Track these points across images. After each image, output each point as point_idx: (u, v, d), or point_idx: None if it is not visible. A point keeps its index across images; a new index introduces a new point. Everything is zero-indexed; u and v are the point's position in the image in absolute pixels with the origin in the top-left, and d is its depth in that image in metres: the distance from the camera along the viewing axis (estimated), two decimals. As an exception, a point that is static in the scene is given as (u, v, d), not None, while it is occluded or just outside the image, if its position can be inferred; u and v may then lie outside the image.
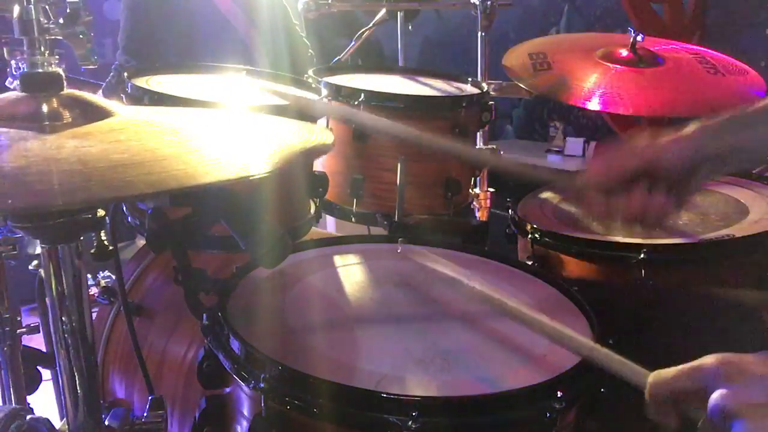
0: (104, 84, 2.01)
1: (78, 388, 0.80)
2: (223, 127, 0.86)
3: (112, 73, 2.05)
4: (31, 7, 0.72)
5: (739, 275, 1.28)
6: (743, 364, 0.64)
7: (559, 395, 0.81)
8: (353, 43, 2.20)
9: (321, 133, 0.83)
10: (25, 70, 0.74)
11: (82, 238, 0.76)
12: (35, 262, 1.48)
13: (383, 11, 2.12)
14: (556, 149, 3.96)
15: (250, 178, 0.65)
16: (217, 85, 1.47)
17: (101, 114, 0.76)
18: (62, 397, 0.81)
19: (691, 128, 1.04)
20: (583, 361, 0.87)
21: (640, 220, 1.05)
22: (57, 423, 0.81)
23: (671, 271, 1.27)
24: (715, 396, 0.63)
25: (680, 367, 0.68)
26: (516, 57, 1.77)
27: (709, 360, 0.66)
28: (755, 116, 1.08)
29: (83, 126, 0.72)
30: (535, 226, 1.38)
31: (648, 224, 1.07)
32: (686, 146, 1.02)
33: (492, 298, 0.95)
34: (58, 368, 0.80)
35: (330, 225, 2.35)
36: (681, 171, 1.02)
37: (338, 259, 1.21)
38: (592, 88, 1.63)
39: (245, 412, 0.91)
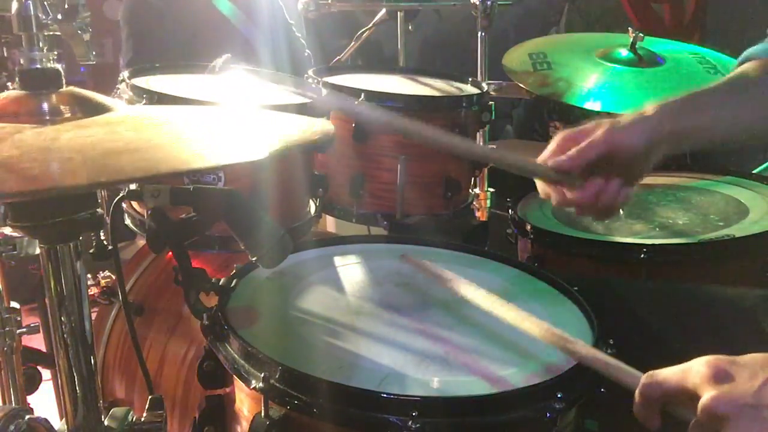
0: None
1: (77, 388, 0.80)
2: (221, 120, 0.87)
3: (118, 86, 2.04)
4: (30, 3, 0.72)
5: (739, 275, 1.28)
6: (733, 367, 0.65)
7: (559, 395, 0.81)
8: (353, 43, 2.20)
9: (319, 125, 0.82)
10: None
11: (81, 238, 0.76)
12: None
13: (383, 11, 2.12)
14: (556, 149, 3.96)
15: (245, 162, 0.65)
16: (217, 84, 1.47)
17: (100, 109, 0.76)
18: (62, 397, 0.81)
19: (649, 109, 1.05)
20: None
21: (594, 209, 1.06)
22: (57, 423, 0.81)
23: (671, 271, 1.27)
24: (705, 399, 0.64)
25: (672, 369, 0.69)
26: (516, 57, 1.78)
27: (699, 363, 0.67)
28: (711, 97, 1.10)
29: (81, 119, 0.72)
30: (535, 226, 1.38)
31: (601, 214, 1.09)
32: (645, 127, 1.05)
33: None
34: (57, 368, 0.79)
35: (330, 225, 2.35)
36: (639, 152, 1.03)
37: (338, 259, 1.21)
38: (592, 88, 1.63)
39: (245, 412, 0.91)
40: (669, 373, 0.69)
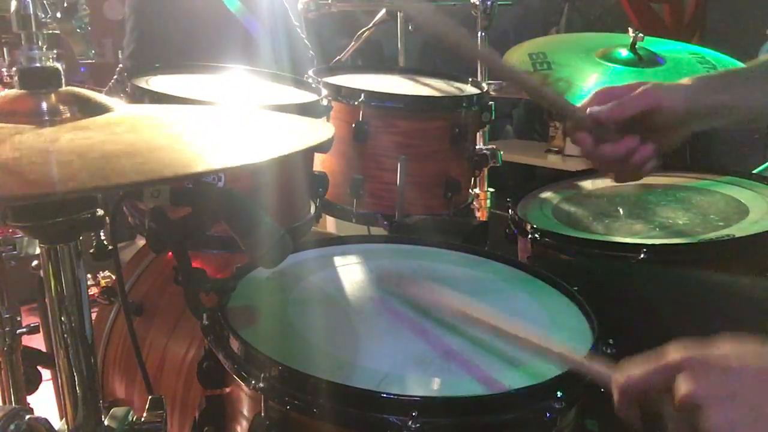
0: (106, 88, 2.00)
1: (78, 388, 0.79)
2: (222, 121, 0.87)
3: (115, 77, 2.03)
4: (29, 1, 0.72)
5: (739, 276, 1.27)
6: (706, 356, 0.65)
7: (558, 395, 0.81)
8: (353, 43, 2.20)
9: (320, 129, 0.82)
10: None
11: (81, 238, 0.76)
12: (35, 262, 1.48)
13: (383, 11, 2.12)
14: (556, 149, 3.96)
15: (247, 165, 0.65)
16: (217, 85, 1.47)
17: (100, 109, 0.75)
18: (62, 397, 0.81)
19: (688, 80, 1.06)
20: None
21: (621, 168, 1.06)
22: (57, 423, 0.81)
23: (671, 271, 1.27)
24: (683, 391, 0.63)
25: (646, 363, 0.69)
26: (516, 57, 1.77)
27: (674, 352, 0.67)
28: (743, 76, 1.10)
29: (81, 120, 0.72)
30: (535, 226, 1.38)
31: (625, 174, 1.08)
32: (687, 94, 1.05)
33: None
34: (57, 368, 0.79)
35: (330, 225, 2.35)
36: (678, 117, 1.04)
37: (338, 259, 1.21)
38: (592, 88, 1.62)
39: (245, 412, 0.91)
40: (645, 370, 0.68)
